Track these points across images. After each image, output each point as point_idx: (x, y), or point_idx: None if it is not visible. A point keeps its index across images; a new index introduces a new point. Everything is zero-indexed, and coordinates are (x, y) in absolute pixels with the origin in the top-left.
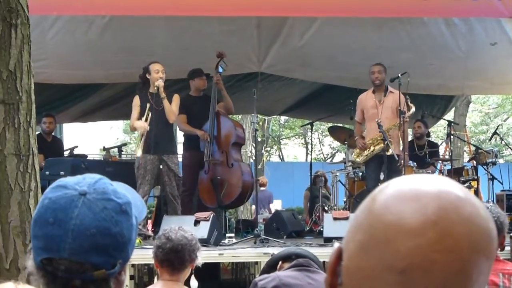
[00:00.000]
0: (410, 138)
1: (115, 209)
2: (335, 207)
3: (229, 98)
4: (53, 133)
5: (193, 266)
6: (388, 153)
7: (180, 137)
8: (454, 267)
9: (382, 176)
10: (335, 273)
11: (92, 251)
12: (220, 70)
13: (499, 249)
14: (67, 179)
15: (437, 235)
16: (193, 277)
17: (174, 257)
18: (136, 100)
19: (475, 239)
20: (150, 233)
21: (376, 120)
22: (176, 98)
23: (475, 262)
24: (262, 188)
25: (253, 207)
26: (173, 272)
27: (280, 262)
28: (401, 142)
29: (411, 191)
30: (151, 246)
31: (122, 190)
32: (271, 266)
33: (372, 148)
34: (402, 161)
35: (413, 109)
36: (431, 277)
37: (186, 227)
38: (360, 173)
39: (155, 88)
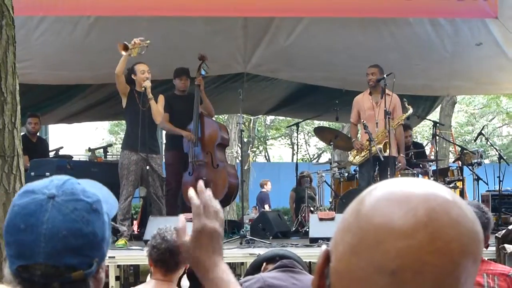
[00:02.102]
0: None
1: (85, 209)
2: (321, 208)
3: (209, 101)
4: (38, 134)
5: (187, 266)
6: (385, 153)
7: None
8: (445, 269)
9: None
10: (323, 275)
11: (67, 253)
12: (203, 72)
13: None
14: (35, 184)
15: (428, 237)
16: (185, 277)
17: (169, 257)
18: (128, 88)
19: (464, 242)
20: (135, 233)
21: (363, 121)
22: (161, 98)
23: (464, 264)
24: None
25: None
26: (166, 272)
27: (264, 264)
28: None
29: (400, 193)
30: (137, 247)
31: (91, 188)
32: (255, 268)
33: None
34: (397, 163)
35: (410, 111)
36: (422, 279)
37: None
38: (346, 174)
39: (142, 88)
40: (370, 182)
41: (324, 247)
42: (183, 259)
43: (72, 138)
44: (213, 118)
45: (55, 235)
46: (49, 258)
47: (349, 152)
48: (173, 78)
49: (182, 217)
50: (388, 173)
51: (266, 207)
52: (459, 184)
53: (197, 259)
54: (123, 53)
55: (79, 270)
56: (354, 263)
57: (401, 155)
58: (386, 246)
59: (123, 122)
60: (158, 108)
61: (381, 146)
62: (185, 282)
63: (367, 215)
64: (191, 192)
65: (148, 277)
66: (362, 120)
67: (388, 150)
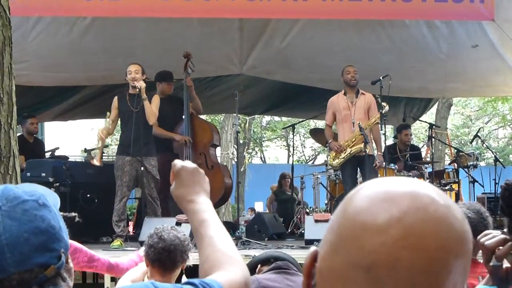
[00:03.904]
0: (391, 141)
1: (34, 207)
2: (316, 209)
3: (198, 99)
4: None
5: (184, 266)
6: (369, 153)
7: None
8: (420, 265)
9: (360, 178)
10: (310, 275)
11: (34, 254)
12: (190, 71)
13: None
14: None
15: (402, 232)
16: (184, 277)
17: (166, 257)
18: (115, 103)
19: (442, 237)
20: (131, 234)
21: (358, 123)
22: (156, 99)
23: (444, 261)
24: None
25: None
26: (164, 272)
27: (259, 266)
28: (374, 142)
29: (381, 191)
30: (132, 248)
31: (29, 188)
32: (250, 270)
33: (349, 150)
34: (378, 162)
35: (386, 108)
36: (397, 275)
37: None
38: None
39: (137, 89)
40: (355, 184)
41: (313, 248)
42: (181, 259)
43: (68, 138)
44: (204, 117)
45: (17, 241)
46: (20, 265)
47: (327, 154)
48: (158, 82)
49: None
50: (367, 172)
51: None
52: (454, 186)
53: (178, 195)
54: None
55: (51, 266)
56: (334, 261)
57: (379, 153)
58: (361, 242)
59: (119, 122)
60: (151, 109)
61: (361, 146)
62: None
63: (348, 213)
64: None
65: (146, 279)
66: (358, 122)
67: (367, 149)
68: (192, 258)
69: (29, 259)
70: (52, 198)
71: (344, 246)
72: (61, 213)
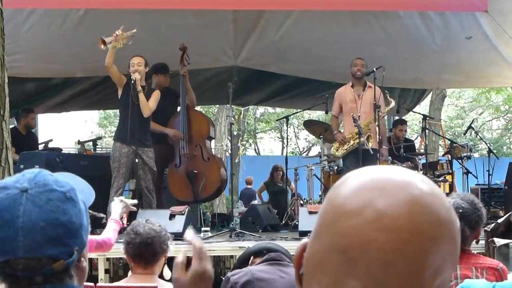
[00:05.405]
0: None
1: (59, 199)
2: (310, 201)
3: (192, 92)
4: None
5: (166, 257)
6: (369, 146)
7: None
8: (393, 246)
9: None
10: (299, 265)
11: (46, 245)
12: (186, 63)
13: (474, 242)
14: (7, 179)
15: (375, 214)
16: (166, 267)
17: (145, 250)
18: (124, 78)
19: (417, 220)
20: (125, 226)
21: (352, 114)
22: (156, 93)
23: (418, 243)
24: (248, 186)
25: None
26: (146, 265)
27: (251, 257)
28: (377, 136)
29: (366, 179)
30: None
31: (64, 178)
32: (243, 262)
33: (352, 142)
34: (379, 155)
35: (392, 104)
36: (370, 256)
37: (160, 220)
38: (336, 167)
39: (132, 81)
40: None
41: (305, 239)
42: (160, 250)
43: (62, 131)
44: (198, 109)
45: (33, 227)
46: (29, 251)
47: (332, 145)
48: (155, 74)
49: (189, 234)
50: (370, 165)
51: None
52: (448, 177)
53: None
54: (102, 47)
55: (60, 260)
56: (315, 246)
57: (384, 147)
58: (338, 226)
59: (112, 115)
60: (146, 102)
61: (364, 139)
62: (166, 272)
63: (330, 201)
64: (188, 234)
65: (130, 272)
66: (352, 114)
67: (370, 143)
68: (173, 248)
69: (40, 248)
70: (84, 194)
71: (324, 231)
72: (90, 211)
